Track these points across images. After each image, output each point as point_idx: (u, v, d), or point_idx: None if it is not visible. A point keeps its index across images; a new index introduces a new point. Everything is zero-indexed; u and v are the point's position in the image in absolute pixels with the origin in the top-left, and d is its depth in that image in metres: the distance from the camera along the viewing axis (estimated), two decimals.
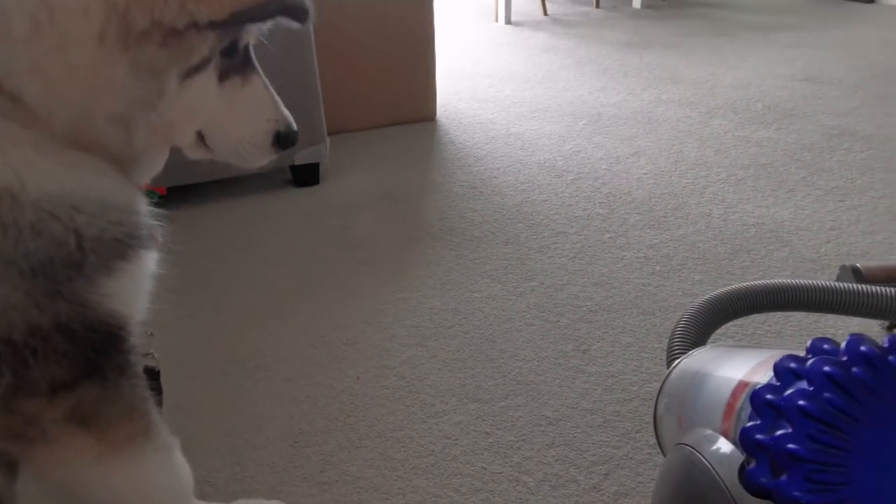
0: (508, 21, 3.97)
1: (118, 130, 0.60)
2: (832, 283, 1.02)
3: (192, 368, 1.23)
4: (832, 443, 0.55)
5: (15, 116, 0.56)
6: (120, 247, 0.61)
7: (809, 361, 0.60)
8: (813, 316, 1.29)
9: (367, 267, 1.56)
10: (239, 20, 0.60)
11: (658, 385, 0.85)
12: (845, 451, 0.55)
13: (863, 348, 0.59)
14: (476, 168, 2.06)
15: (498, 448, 1.05)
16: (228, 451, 1.06)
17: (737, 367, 0.75)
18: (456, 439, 1.07)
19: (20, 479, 0.71)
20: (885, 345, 0.59)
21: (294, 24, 0.64)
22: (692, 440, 0.71)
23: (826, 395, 0.57)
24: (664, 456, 0.81)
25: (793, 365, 0.62)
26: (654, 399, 0.88)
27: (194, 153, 0.73)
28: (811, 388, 0.58)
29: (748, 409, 0.65)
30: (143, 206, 0.68)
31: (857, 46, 3.30)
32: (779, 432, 0.58)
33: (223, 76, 0.66)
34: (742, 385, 0.71)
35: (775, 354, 0.67)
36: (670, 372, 0.89)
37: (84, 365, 0.61)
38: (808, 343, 0.64)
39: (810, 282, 1.03)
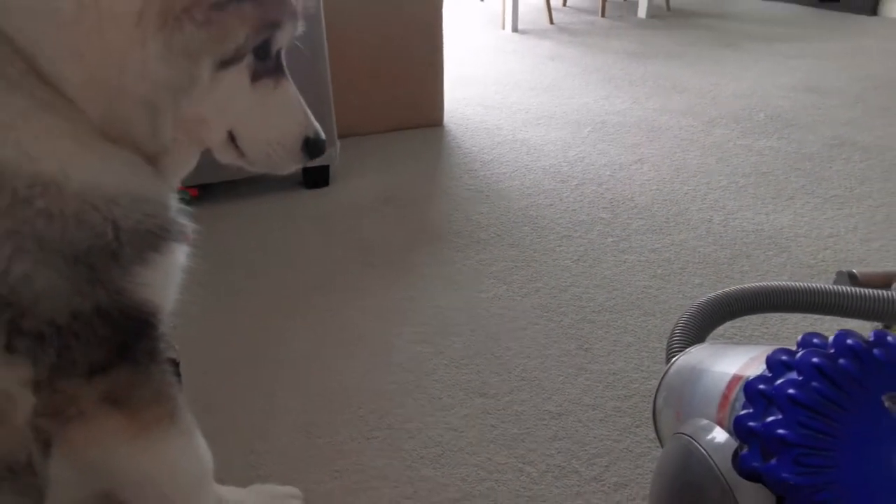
0: (515, 29, 4.03)
1: (145, 118, 0.61)
2: (827, 286, 1.06)
3: (208, 363, 1.27)
4: (819, 428, 0.59)
5: (56, 108, 0.58)
6: (153, 239, 0.64)
7: (799, 354, 0.64)
8: (809, 319, 1.33)
9: (376, 267, 1.60)
10: None
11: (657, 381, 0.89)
12: (832, 437, 0.59)
13: (849, 342, 0.63)
14: (482, 172, 2.10)
15: (503, 440, 1.09)
16: (243, 441, 1.10)
17: (731, 362, 0.79)
18: (462, 431, 1.11)
19: (52, 462, 0.75)
20: (871, 339, 0.63)
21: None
22: (689, 430, 0.75)
23: (814, 384, 0.61)
24: (662, 447, 0.85)
25: (784, 357, 0.67)
26: (654, 394, 0.92)
27: (225, 156, 0.75)
28: (800, 378, 0.62)
29: (742, 400, 0.69)
30: (175, 202, 0.71)
31: (859, 58, 3.35)
32: (769, 419, 0.62)
33: (255, 77, 0.68)
34: (736, 378, 0.75)
35: (768, 349, 0.71)
36: (669, 368, 0.93)
37: (119, 349, 0.64)
38: (799, 338, 0.68)
39: (806, 284, 1.07)
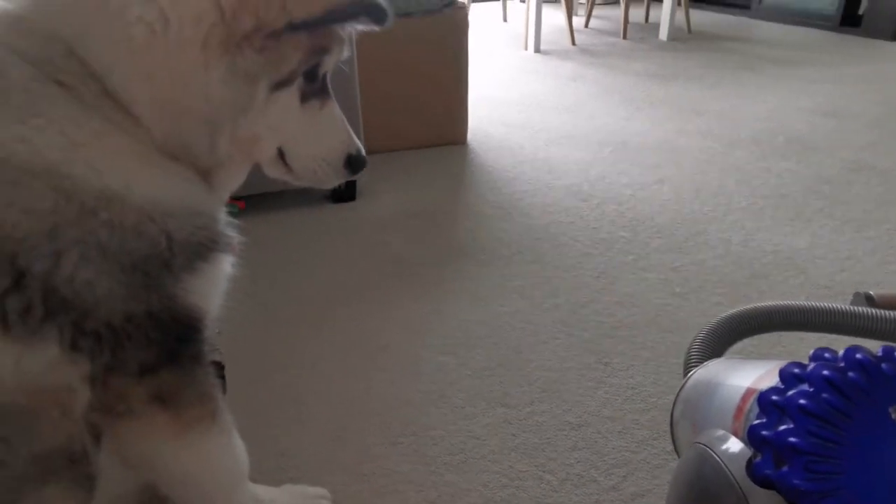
0: (538, 50, 4.10)
1: (205, 135, 0.67)
2: (843, 307, 1.09)
3: (241, 369, 1.33)
4: (828, 437, 0.63)
5: (124, 127, 0.63)
6: (203, 250, 0.69)
7: (810, 367, 0.68)
8: (826, 338, 1.35)
9: (401, 280, 1.66)
10: (328, 18, 0.66)
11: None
12: (840, 445, 0.63)
13: (858, 356, 0.67)
14: (505, 190, 2.16)
15: (524, 449, 1.13)
16: (274, 444, 1.15)
17: (746, 375, 0.83)
18: (485, 440, 1.15)
19: (101, 454, 0.81)
20: (879, 354, 0.67)
21: (374, 26, 0.70)
22: (705, 439, 0.79)
23: (824, 395, 0.65)
24: (679, 457, 0.89)
25: (796, 370, 0.70)
26: (671, 406, 0.96)
27: (274, 171, 0.80)
28: (811, 390, 0.66)
29: (756, 411, 0.72)
30: (224, 215, 0.77)
31: (879, 83, 3.36)
32: (781, 428, 0.65)
33: (304, 98, 0.73)
34: (750, 391, 0.78)
35: (781, 364, 0.75)
36: (686, 381, 0.97)
37: (167, 351, 0.69)
38: (811, 352, 0.72)
39: (823, 304, 1.10)
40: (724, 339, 1.09)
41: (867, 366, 0.66)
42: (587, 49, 4.22)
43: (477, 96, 2.96)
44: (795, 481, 0.63)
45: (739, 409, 0.79)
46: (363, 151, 0.82)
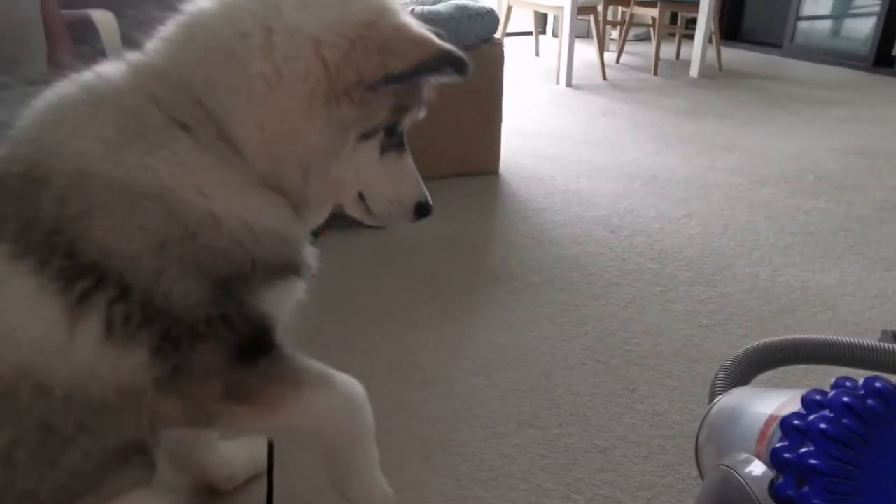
0: (569, 84, 4.19)
1: (299, 176, 0.75)
2: (870, 342, 1.12)
3: None
4: (847, 460, 0.67)
5: (232, 163, 0.72)
6: (280, 271, 0.77)
7: (831, 393, 0.72)
8: (853, 374, 1.37)
9: (435, 303, 1.71)
10: (420, 70, 0.74)
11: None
12: (859, 468, 0.66)
13: (878, 385, 0.71)
14: (536, 220, 2.21)
15: (552, 469, 1.17)
16: (309, 454, 1.20)
17: (769, 403, 0.87)
18: (514, 459, 1.19)
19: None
20: None
21: (456, 77, 0.77)
22: (730, 462, 0.82)
23: (844, 420, 0.69)
24: (703, 480, 0.92)
25: (818, 397, 0.74)
26: (696, 431, 0.99)
27: (354, 210, 0.88)
28: (832, 415, 0.70)
29: (778, 435, 0.76)
30: (306, 244, 0.84)
31: None
32: (802, 450, 0.69)
33: (384, 150, 0.81)
34: (773, 417, 0.82)
35: (803, 392, 0.79)
36: (711, 407, 1.00)
37: (238, 352, 0.75)
38: (833, 380, 0.76)
39: (850, 339, 1.13)
40: (750, 368, 1.13)
41: (886, 394, 0.70)
42: (618, 84, 4.30)
43: (510, 128, 3.03)
44: (816, 501, 0.67)
45: (763, 433, 0.82)
46: (430, 200, 0.90)
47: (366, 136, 0.77)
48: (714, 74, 4.57)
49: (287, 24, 0.72)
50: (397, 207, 0.87)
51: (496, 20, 2.49)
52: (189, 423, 0.78)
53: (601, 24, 4.57)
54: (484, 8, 2.45)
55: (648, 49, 4.98)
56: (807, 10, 5.30)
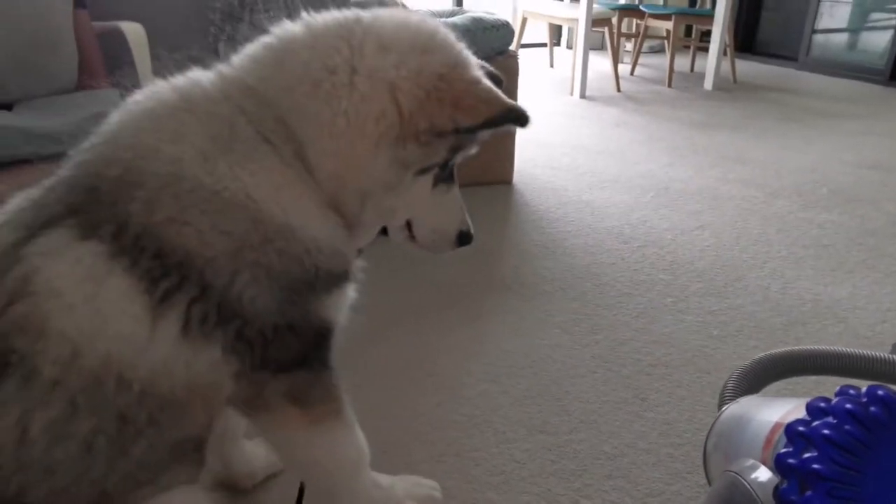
0: (583, 96, 4.21)
1: (358, 202, 0.81)
2: (881, 354, 1.13)
3: None
4: (850, 465, 0.69)
5: (306, 181, 0.77)
6: (338, 279, 0.82)
7: (835, 400, 0.74)
8: (864, 385, 1.38)
9: (448, 310, 1.74)
10: (486, 125, 0.78)
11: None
12: (861, 473, 0.68)
13: (880, 392, 0.73)
14: (548, 230, 2.24)
15: (562, 474, 1.19)
16: None
17: (775, 411, 0.89)
18: (524, 463, 1.22)
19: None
20: None
21: (518, 128, 0.83)
22: (736, 468, 0.85)
23: (847, 427, 0.71)
24: (710, 486, 0.94)
25: (822, 404, 0.76)
26: (705, 439, 1.01)
27: (398, 236, 0.94)
28: (835, 421, 0.72)
29: (783, 442, 0.78)
30: (354, 255, 0.89)
31: None
32: (806, 455, 0.71)
33: (436, 182, 0.86)
34: (778, 425, 0.84)
35: (808, 399, 0.81)
36: (719, 415, 1.03)
37: (301, 355, 0.81)
38: (837, 388, 0.78)
39: (861, 351, 1.14)
40: (759, 378, 1.15)
41: (888, 401, 0.72)
42: (632, 96, 4.32)
43: (523, 139, 3.06)
44: None
45: (768, 440, 0.85)
46: (472, 229, 0.94)
47: (422, 171, 0.82)
48: (728, 87, 4.58)
49: (368, 66, 0.77)
50: (441, 236, 0.92)
51: (511, 33, 2.53)
52: (244, 408, 0.82)
53: (615, 36, 4.59)
54: (499, 20, 2.49)
55: (663, 61, 5.00)
56: (823, 23, 5.30)
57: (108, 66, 1.68)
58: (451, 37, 0.84)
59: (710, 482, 1.02)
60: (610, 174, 2.80)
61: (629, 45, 5.41)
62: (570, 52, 4.52)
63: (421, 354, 1.55)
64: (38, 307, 0.67)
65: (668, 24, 4.54)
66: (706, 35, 4.68)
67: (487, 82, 0.82)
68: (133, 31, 1.74)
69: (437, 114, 0.77)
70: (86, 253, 0.68)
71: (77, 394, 0.67)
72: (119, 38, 1.73)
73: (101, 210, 0.70)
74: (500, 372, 1.48)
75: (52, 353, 0.66)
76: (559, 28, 5.84)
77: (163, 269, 0.69)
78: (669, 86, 4.57)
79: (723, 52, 4.48)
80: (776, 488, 0.75)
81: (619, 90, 4.40)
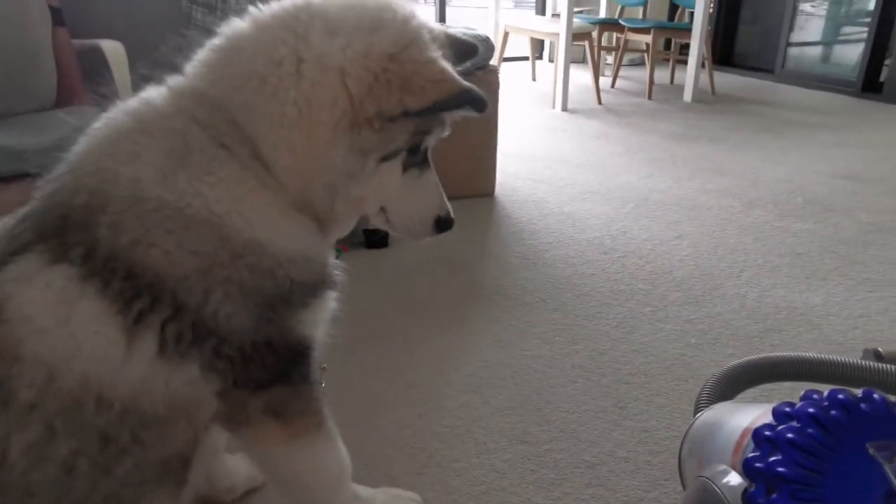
0: (565, 108, 4.27)
1: (327, 195, 0.79)
2: (850, 360, 1.16)
3: None
4: (812, 467, 0.71)
5: (268, 184, 0.76)
6: (314, 289, 0.81)
7: (799, 405, 0.77)
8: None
9: (429, 322, 1.76)
10: (436, 108, 0.76)
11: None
12: (823, 475, 0.71)
13: (840, 396, 0.75)
14: (530, 241, 2.27)
15: (541, 483, 1.20)
16: None
17: (745, 416, 0.91)
18: (505, 473, 1.23)
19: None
20: (859, 395, 0.75)
21: (474, 114, 0.80)
22: (708, 473, 0.86)
23: (809, 430, 0.73)
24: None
25: (787, 409, 0.79)
26: (680, 445, 1.03)
27: (378, 222, 0.91)
28: (798, 425, 0.74)
29: (752, 446, 0.80)
30: (331, 259, 0.89)
31: None
32: (771, 459, 0.73)
33: (406, 167, 0.83)
34: (748, 430, 0.86)
35: (775, 404, 0.83)
36: (693, 422, 1.05)
37: (279, 371, 0.81)
38: (802, 393, 0.81)
39: (831, 357, 1.17)
40: (732, 384, 1.17)
41: (848, 405, 0.74)
42: (613, 109, 4.38)
43: (505, 151, 3.09)
44: None
45: (738, 444, 0.87)
46: (451, 213, 0.92)
47: (386, 158, 0.80)
48: (707, 99, 4.66)
49: (315, 53, 0.75)
50: (417, 222, 0.90)
51: (491, 48, 2.57)
52: (224, 424, 0.82)
53: (596, 49, 4.67)
54: (479, 36, 2.52)
55: (643, 74, 5.08)
56: (798, 36, 5.41)
57: (87, 83, 1.69)
58: (405, 10, 0.80)
59: (685, 487, 1.04)
60: (590, 186, 2.84)
61: (610, 59, 5.49)
62: (552, 65, 4.58)
63: (402, 366, 1.56)
64: (12, 333, 0.67)
65: (648, 38, 4.62)
66: (685, 48, 4.77)
67: (442, 63, 0.78)
68: (112, 49, 1.75)
69: (386, 98, 0.75)
70: (56, 277, 0.68)
71: (55, 416, 0.67)
72: (98, 56, 1.74)
73: (71, 234, 0.70)
74: (481, 383, 1.50)
75: (28, 377, 0.67)
76: (541, 42, 5.91)
77: (135, 291, 0.69)
78: (649, 98, 4.64)
79: (701, 65, 4.56)
80: (745, 492, 0.77)
81: (600, 103, 4.46)
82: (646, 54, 4.94)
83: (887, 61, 4.74)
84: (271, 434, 0.83)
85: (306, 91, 0.74)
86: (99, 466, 0.70)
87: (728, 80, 5.32)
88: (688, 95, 4.58)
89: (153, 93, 0.79)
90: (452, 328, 1.73)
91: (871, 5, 4.78)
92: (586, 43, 4.49)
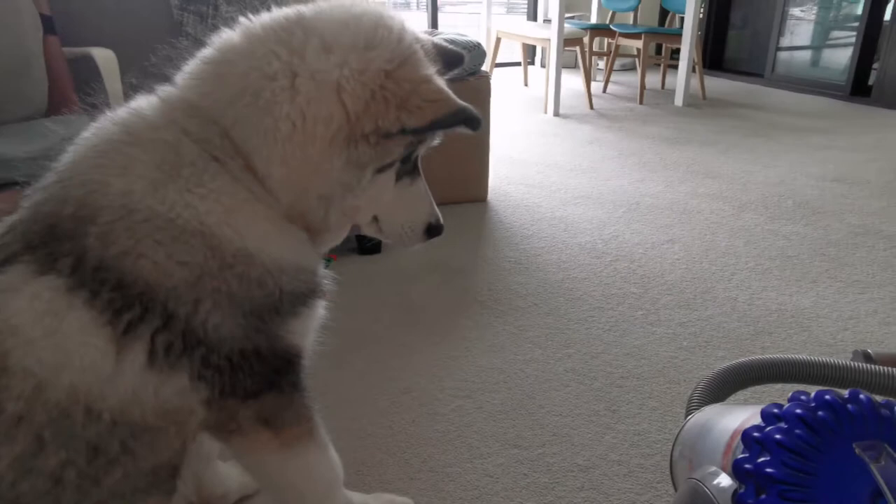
0: (557, 113, 4.29)
1: (321, 207, 0.79)
2: (841, 361, 1.17)
3: None
4: (800, 468, 0.71)
5: (260, 195, 0.76)
6: (304, 298, 0.81)
7: (786, 406, 0.77)
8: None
9: (422, 328, 1.76)
10: (434, 127, 0.77)
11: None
12: (811, 476, 0.71)
13: (827, 397, 0.76)
14: (522, 246, 2.27)
15: (534, 488, 1.21)
16: None
17: (736, 418, 0.92)
18: (497, 478, 1.23)
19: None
20: (846, 395, 0.76)
21: (469, 131, 0.81)
22: (699, 475, 0.87)
23: (797, 431, 0.74)
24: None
25: (775, 410, 0.79)
26: (671, 448, 1.04)
27: (369, 230, 0.92)
28: (786, 426, 0.75)
29: (741, 447, 0.81)
30: (321, 268, 0.88)
31: (889, 151, 3.47)
32: (760, 460, 0.74)
33: (399, 177, 0.84)
34: (738, 431, 0.87)
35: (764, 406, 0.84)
36: (684, 424, 1.05)
37: (268, 381, 0.80)
38: (790, 394, 0.81)
39: (822, 358, 1.18)
40: (723, 387, 1.18)
41: (835, 406, 0.75)
42: (605, 113, 4.40)
43: (498, 157, 3.11)
44: None
45: (728, 446, 0.87)
46: (441, 220, 0.93)
47: (382, 169, 0.81)
48: (698, 103, 4.69)
49: (311, 68, 0.75)
50: (409, 230, 0.91)
51: (483, 54, 2.58)
52: (215, 433, 0.82)
53: (587, 55, 4.69)
54: (471, 42, 2.55)
55: (634, 79, 5.11)
56: (787, 40, 5.46)
57: (78, 91, 1.69)
58: (398, 26, 0.80)
59: (675, 487, 1.04)
60: (582, 190, 2.85)
61: (601, 64, 5.52)
62: (544, 70, 4.60)
63: (396, 371, 1.56)
64: None
65: (639, 43, 4.65)
66: (676, 53, 4.80)
67: (438, 81, 0.79)
68: (104, 58, 1.75)
69: (383, 115, 0.76)
70: (43, 288, 0.68)
71: (44, 428, 0.67)
72: (90, 64, 1.74)
73: (58, 245, 0.69)
74: (474, 387, 1.50)
75: (16, 389, 0.66)
76: (533, 47, 5.94)
77: (124, 301, 0.69)
78: (641, 103, 4.66)
79: (692, 70, 4.59)
80: (734, 493, 0.77)
81: (591, 107, 4.48)
82: (637, 59, 4.97)
83: (876, 65, 4.79)
84: (263, 443, 0.83)
85: (301, 106, 0.75)
86: (88, 477, 0.70)
87: (718, 85, 5.36)
88: (679, 100, 4.61)
89: (143, 103, 0.79)
90: (445, 333, 1.73)
91: (860, 10, 4.83)
92: (578, 48, 4.52)
